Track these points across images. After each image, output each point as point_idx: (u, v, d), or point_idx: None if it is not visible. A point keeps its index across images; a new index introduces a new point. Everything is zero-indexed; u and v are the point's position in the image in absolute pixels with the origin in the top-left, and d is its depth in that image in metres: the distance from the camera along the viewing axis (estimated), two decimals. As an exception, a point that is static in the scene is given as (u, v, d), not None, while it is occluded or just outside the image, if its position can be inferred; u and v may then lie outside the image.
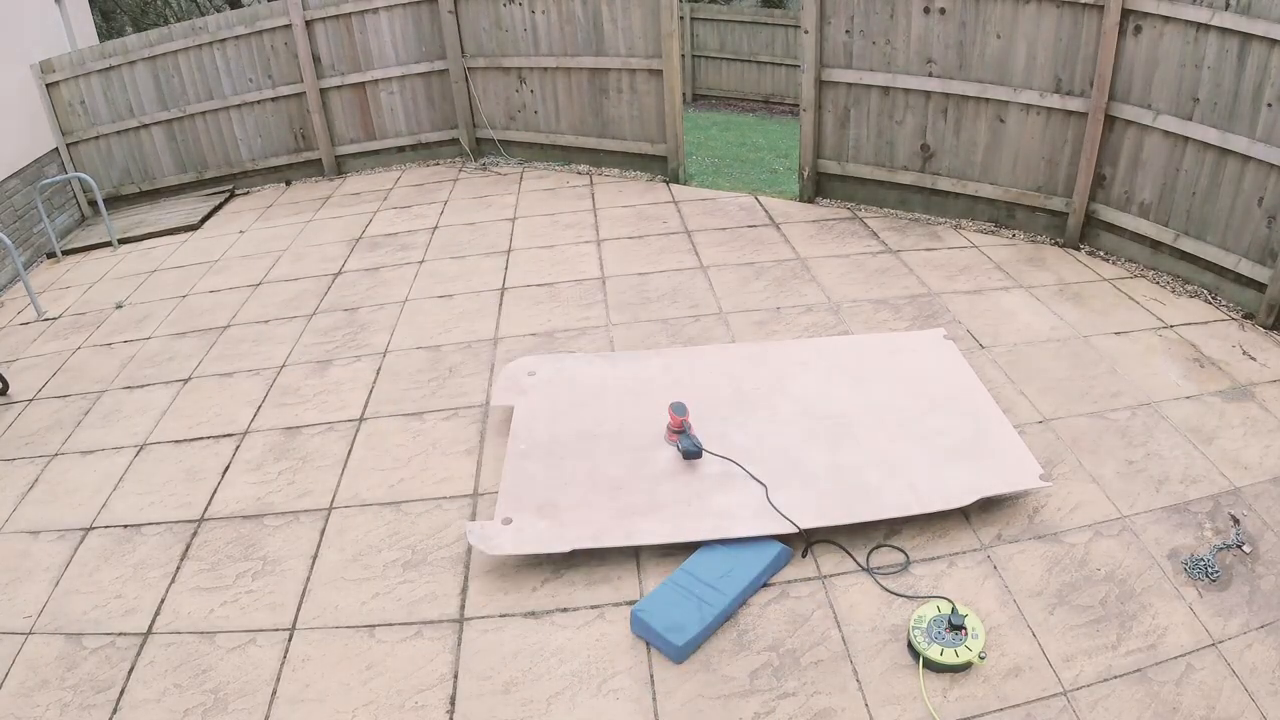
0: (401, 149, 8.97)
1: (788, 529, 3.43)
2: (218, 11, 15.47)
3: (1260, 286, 4.96)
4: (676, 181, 7.80)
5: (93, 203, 8.71)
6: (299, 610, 3.38)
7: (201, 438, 4.58)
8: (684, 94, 12.43)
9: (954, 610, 3.00)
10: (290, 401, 4.83)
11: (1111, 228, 5.85)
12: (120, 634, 3.34)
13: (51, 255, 7.89)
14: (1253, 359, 4.64)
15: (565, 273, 6.08)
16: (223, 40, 8.34)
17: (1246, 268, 5.02)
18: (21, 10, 8.37)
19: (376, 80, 8.60)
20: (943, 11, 6.00)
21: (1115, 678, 2.88)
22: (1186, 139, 5.18)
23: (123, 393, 5.14)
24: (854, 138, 6.82)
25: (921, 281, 5.63)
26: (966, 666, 2.92)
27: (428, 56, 8.52)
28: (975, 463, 3.71)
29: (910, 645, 2.99)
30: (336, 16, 8.28)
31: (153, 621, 3.39)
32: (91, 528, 3.97)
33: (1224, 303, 5.21)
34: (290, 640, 3.25)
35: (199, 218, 8.09)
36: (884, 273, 5.78)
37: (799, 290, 5.59)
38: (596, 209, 7.29)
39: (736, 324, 5.22)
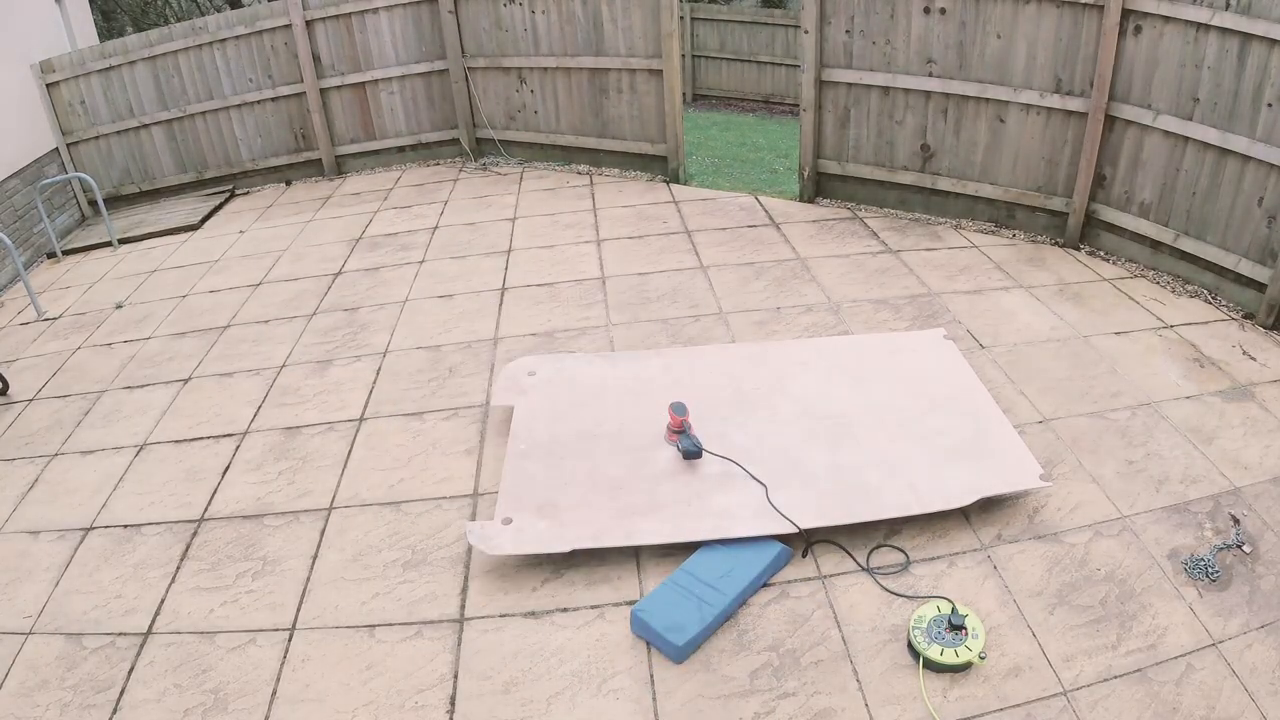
0: (402, 149, 8.97)
1: (788, 529, 3.43)
2: (218, 11, 15.47)
3: (1260, 286, 4.96)
4: (676, 181, 7.80)
5: (93, 203, 8.71)
6: (299, 610, 3.38)
7: (201, 438, 4.58)
8: (684, 94, 12.43)
9: (954, 610, 3.00)
10: (290, 401, 4.83)
11: (1111, 228, 5.85)
12: (120, 634, 3.34)
13: (51, 255, 7.89)
14: (1253, 359, 4.64)
15: (565, 273, 6.08)
16: (223, 40, 8.34)
17: (1246, 268, 5.02)
18: (21, 10, 8.37)
19: (376, 80, 8.60)
20: (943, 11, 6.00)
21: (1115, 678, 2.88)
22: (1186, 139, 5.18)
23: (123, 393, 5.14)
24: (854, 138, 6.82)
25: (921, 281, 5.63)
26: (966, 666, 2.92)
27: (428, 56, 8.52)
28: (975, 463, 3.71)
29: (910, 645, 2.99)
30: (336, 16, 8.29)
31: (153, 621, 3.39)
32: (91, 528, 3.97)
33: (1224, 303, 5.21)
34: (290, 640, 3.25)
35: (199, 218, 8.09)
36: (884, 273, 5.78)
37: (799, 290, 5.59)
38: (596, 209, 7.29)
39: (736, 324, 5.22)
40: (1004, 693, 2.85)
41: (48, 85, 8.34)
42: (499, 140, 8.72)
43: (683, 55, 11.93)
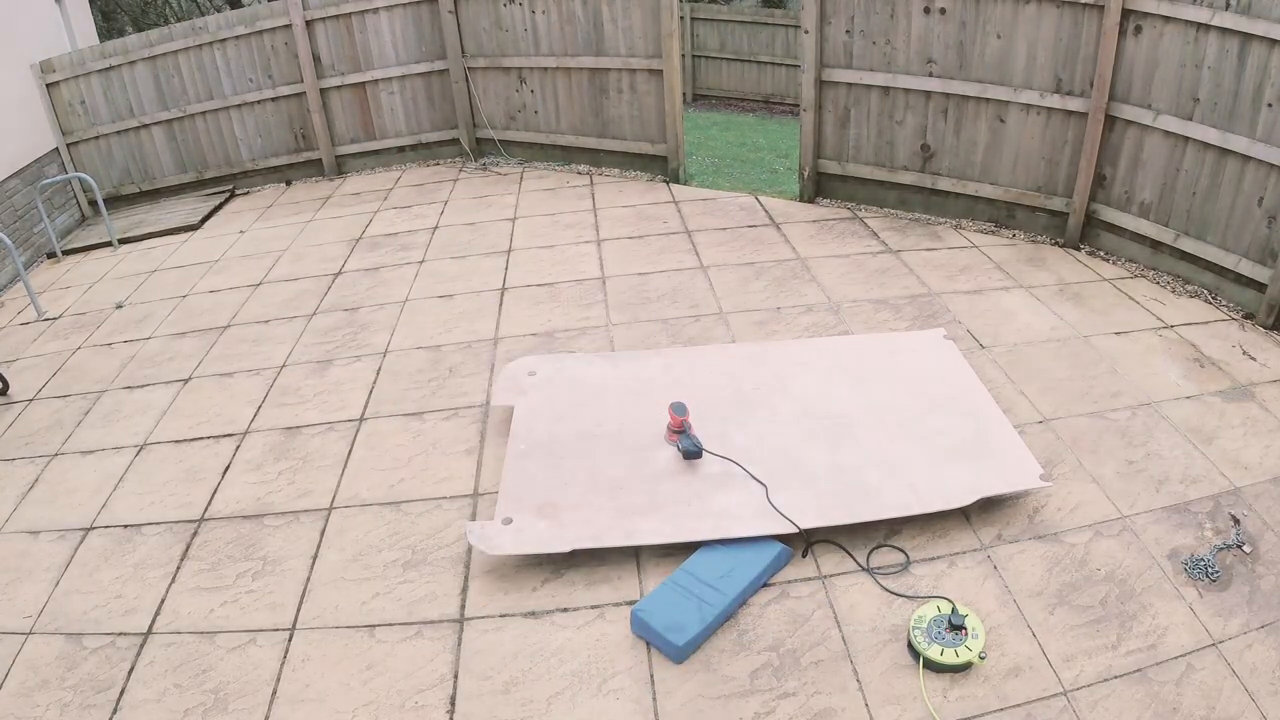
0: (402, 149, 8.97)
1: (788, 529, 3.43)
2: (218, 11, 15.47)
3: (1260, 286, 4.96)
4: (677, 181, 7.80)
5: (93, 203, 8.71)
6: (299, 610, 3.38)
7: (201, 438, 4.58)
8: (684, 94, 12.42)
9: (954, 610, 3.00)
10: (290, 401, 4.83)
11: (1111, 228, 5.85)
12: (120, 634, 3.34)
13: (52, 255, 7.89)
14: (1253, 359, 4.64)
15: (565, 273, 6.08)
16: (223, 40, 8.34)
17: (1246, 268, 5.02)
18: (21, 10, 8.37)
19: (377, 80, 8.60)
20: (943, 11, 6.00)
21: (1115, 678, 2.88)
22: (1187, 139, 5.18)
23: (123, 393, 5.14)
24: (854, 138, 6.82)
25: (921, 281, 5.63)
26: (966, 666, 2.92)
27: (428, 56, 8.52)
28: (975, 463, 3.71)
29: (910, 645, 2.99)
30: (336, 16, 8.29)
31: (153, 621, 3.39)
32: (91, 528, 3.97)
33: (1224, 303, 5.21)
34: (290, 640, 3.25)
35: (199, 218, 8.09)
36: (884, 273, 5.78)
37: (799, 290, 5.59)
38: (596, 209, 7.29)
39: (736, 324, 5.22)
40: (1004, 693, 2.85)
41: (48, 85, 8.34)
42: (499, 140, 8.72)
43: (683, 55, 11.93)
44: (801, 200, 7.22)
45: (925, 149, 6.51)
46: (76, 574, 3.69)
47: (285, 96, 8.61)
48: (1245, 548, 3.38)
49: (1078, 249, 6.02)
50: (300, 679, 3.08)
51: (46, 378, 5.45)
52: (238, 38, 8.34)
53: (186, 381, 5.18)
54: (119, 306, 6.42)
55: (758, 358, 4.62)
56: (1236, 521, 3.51)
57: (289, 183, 9.02)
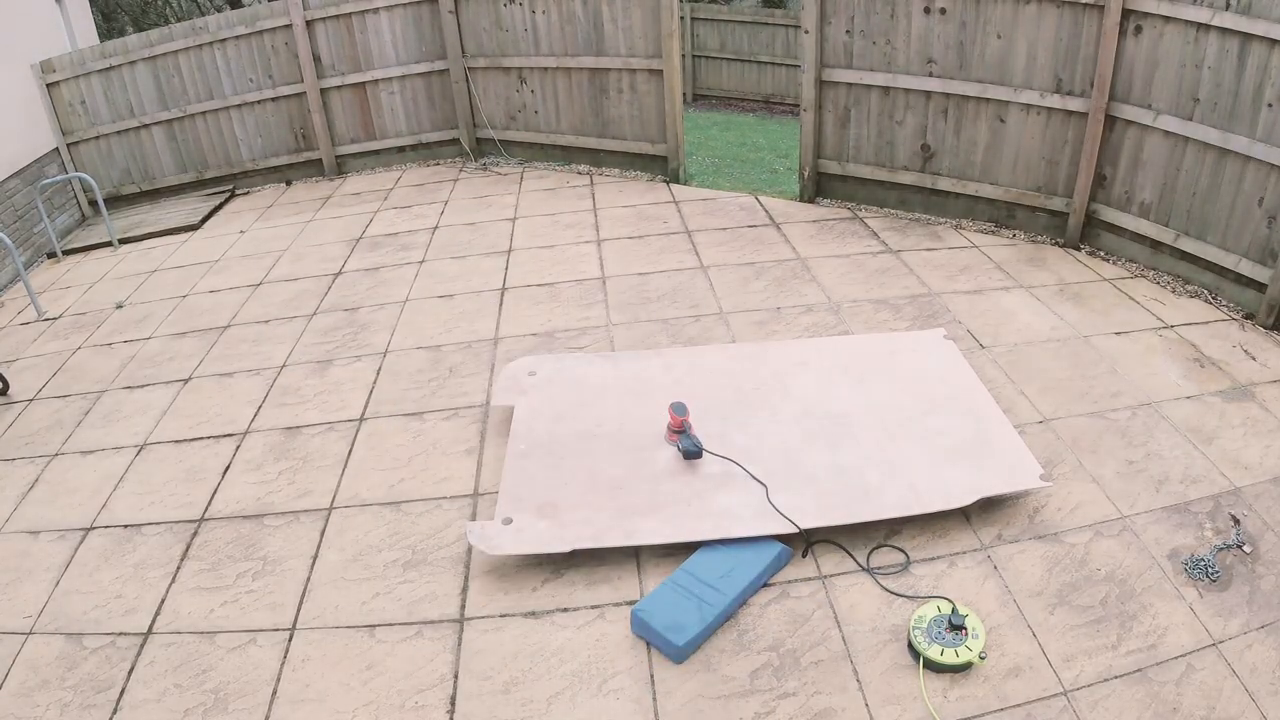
0: (402, 149, 8.97)
1: (788, 529, 3.43)
2: (218, 11, 15.47)
3: (1260, 286, 4.96)
4: (677, 181, 7.80)
5: (93, 203, 8.71)
6: (299, 610, 3.38)
7: (201, 438, 4.58)
8: (684, 94, 12.42)
9: (954, 610, 3.00)
10: (290, 401, 4.83)
11: (1112, 228, 5.85)
12: (120, 634, 3.34)
13: (52, 255, 7.89)
14: (1253, 359, 4.64)
15: (565, 273, 6.08)
16: (223, 40, 8.34)
17: (1247, 268, 5.02)
18: (21, 10, 8.37)
19: (377, 80, 8.60)
20: (943, 11, 6.00)
21: (1115, 678, 2.88)
22: (1187, 139, 5.18)
23: (123, 393, 5.14)
24: (854, 138, 6.82)
25: (922, 281, 5.63)
26: (966, 666, 2.92)
27: (428, 56, 8.52)
28: (975, 463, 3.71)
29: (910, 645, 2.99)
30: (337, 16, 8.29)
31: (153, 621, 3.39)
32: (91, 528, 3.97)
33: (1224, 303, 5.21)
34: (290, 640, 3.25)
35: (199, 218, 8.09)
36: (884, 273, 5.78)
37: (799, 290, 5.59)
38: (597, 209, 7.29)
39: (737, 324, 5.22)
40: (1004, 693, 2.85)
41: (48, 85, 8.34)
42: (499, 140, 8.72)
43: (683, 55, 11.93)
44: (801, 200, 7.22)
45: (925, 149, 6.51)
46: (76, 574, 3.69)
47: (285, 96, 8.61)
48: (1245, 548, 3.38)
49: (1078, 249, 6.02)
50: (300, 679, 3.08)
51: (46, 378, 5.45)
52: (238, 38, 8.34)
53: (186, 381, 5.18)
54: (119, 306, 6.42)
55: (758, 358, 4.62)
56: (1236, 521, 3.51)
57: (289, 183, 9.02)
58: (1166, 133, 5.29)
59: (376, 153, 8.98)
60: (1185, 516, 3.55)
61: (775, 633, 3.13)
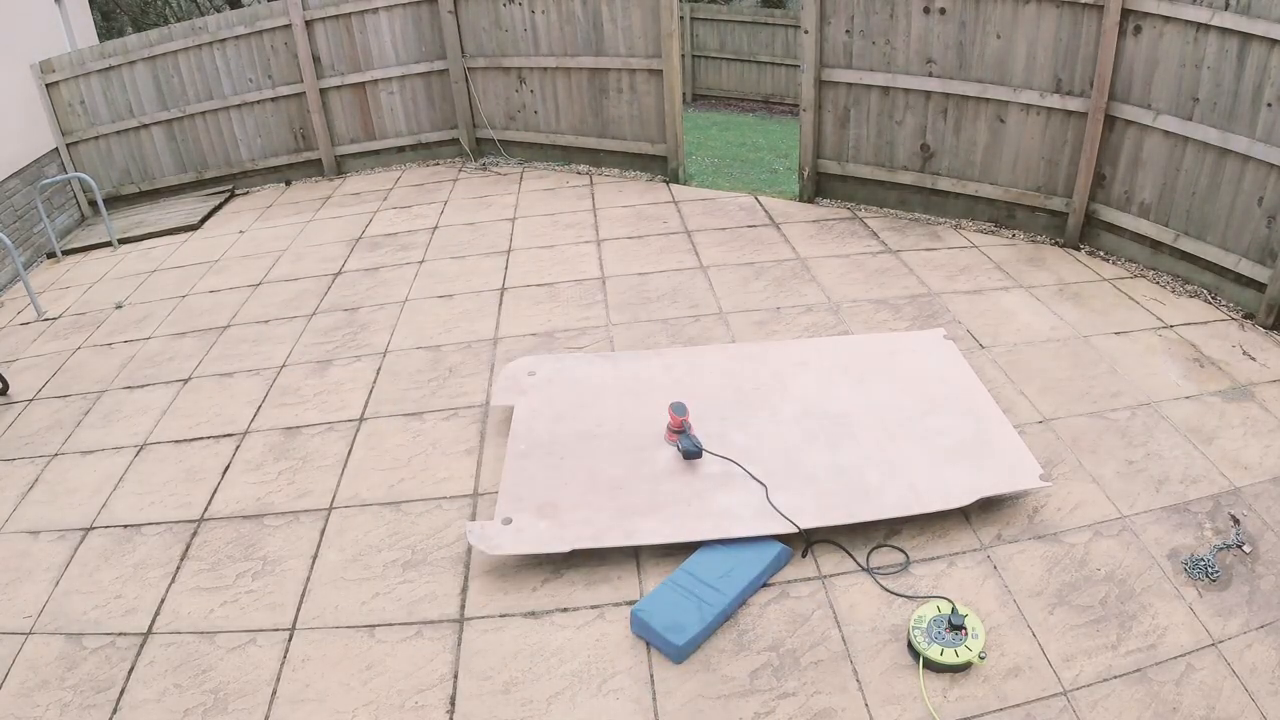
0: (401, 149, 8.97)
1: (788, 529, 3.43)
2: (218, 11, 15.47)
3: (1260, 286, 4.96)
4: (676, 181, 7.80)
5: (93, 203, 8.71)
6: (299, 610, 3.38)
7: (201, 438, 4.58)
8: (684, 94, 12.43)
9: (954, 610, 3.00)
10: (290, 401, 4.83)
11: (1111, 228, 5.85)
12: (120, 634, 3.34)
13: (51, 255, 7.89)
14: (1253, 359, 4.64)
15: (565, 273, 6.08)
16: (223, 40, 8.34)
17: (1246, 268, 5.02)
18: (21, 10, 8.37)
19: (376, 80, 8.60)
20: (943, 11, 6.00)
21: (1115, 678, 2.88)
22: (1186, 139, 5.18)
23: (123, 393, 5.14)
24: (854, 138, 6.82)
25: (921, 281, 5.63)
26: (966, 666, 2.92)
27: (428, 56, 8.52)
28: (975, 463, 3.71)
29: (910, 645, 2.99)
30: (336, 16, 8.29)
31: (153, 621, 3.39)
32: (91, 528, 3.97)
33: (1224, 303, 5.21)
34: (290, 640, 3.25)
35: (199, 218, 8.09)
36: (884, 273, 5.79)
37: (799, 290, 5.59)
38: (596, 209, 7.29)
39: (736, 324, 5.22)
40: (1004, 693, 2.85)
41: (47, 85, 8.34)
42: (499, 140, 8.72)
43: (683, 55, 11.94)
44: (801, 200, 7.22)
45: (925, 149, 6.51)
46: (76, 574, 3.69)
47: (285, 96, 8.61)
48: (1245, 548, 3.38)
49: (1077, 249, 6.02)
50: (300, 679, 3.08)
51: (46, 378, 5.45)
52: (237, 38, 8.34)
53: (186, 381, 5.18)
54: (119, 306, 6.42)
55: (758, 358, 4.62)
56: (1236, 521, 3.51)
57: (289, 183, 9.02)
58: (1166, 133, 5.29)
59: (376, 153, 8.98)
60: (1185, 516, 3.55)
61: (775, 633, 3.13)
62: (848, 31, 6.46)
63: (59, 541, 3.90)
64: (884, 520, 3.52)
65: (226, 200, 8.68)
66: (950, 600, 3.12)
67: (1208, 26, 4.88)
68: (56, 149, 8.52)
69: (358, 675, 3.08)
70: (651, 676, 2.99)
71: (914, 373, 4.40)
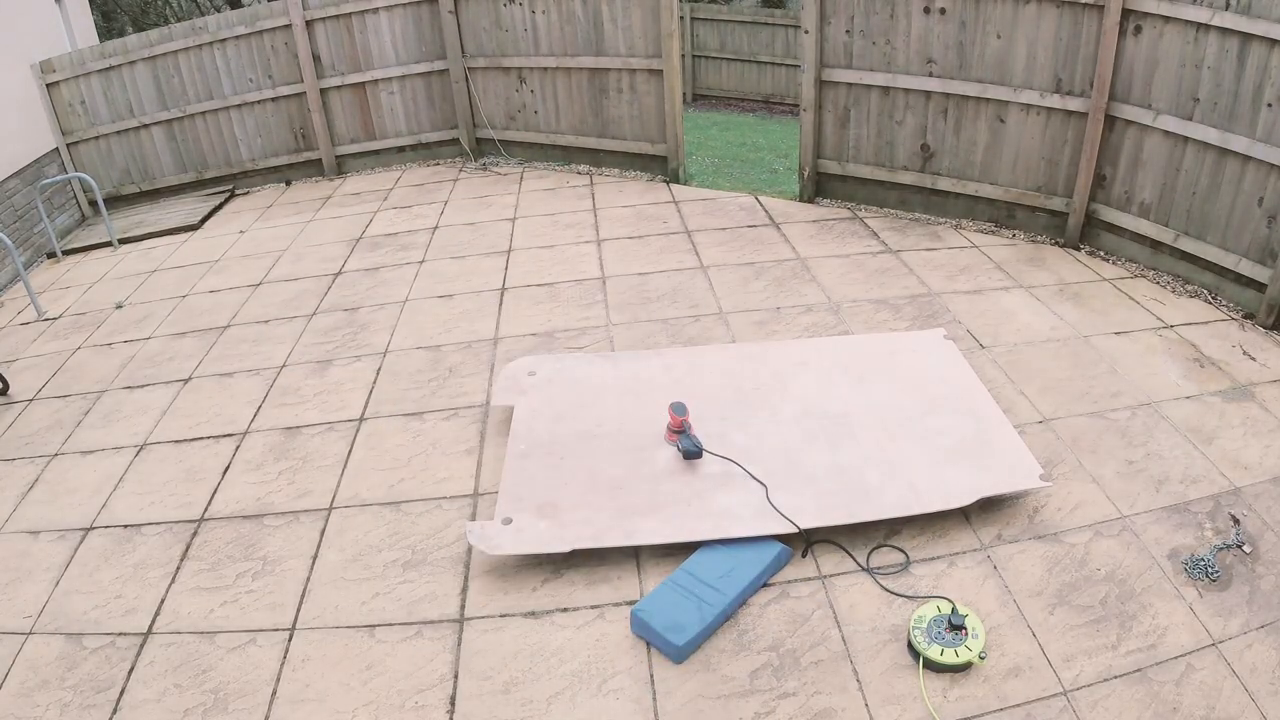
0: (401, 149, 8.97)
1: (788, 529, 3.43)
2: (218, 11, 15.47)
3: (1260, 286, 4.96)
4: (676, 181, 7.80)
5: (93, 203, 8.71)
6: (299, 610, 3.38)
7: (201, 438, 4.58)
8: (684, 94, 12.42)
9: (954, 610, 3.00)
10: (290, 401, 4.83)
11: (1111, 228, 5.85)
12: (120, 634, 3.34)
13: (52, 255, 7.89)
14: (1253, 359, 4.64)
15: (565, 273, 6.08)
16: (223, 40, 8.34)
17: (1246, 268, 5.02)
18: (21, 10, 8.37)
19: (376, 80, 8.60)
20: (943, 11, 6.00)
21: (1115, 678, 2.88)
22: (1186, 139, 5.18)
23: (123, 393, 5.14)
24: (854, 138, 6.82)
25: (921, 281, 5.63)
26: (966, 666, 2.92)
27: (428, 56, 8.52)
28: (975, 463, 3.71)
29: (910, 645, 2.99)
30: (336, 16, 8.29)
31: (153, 621, 3.39)
32: (91, 528, 3.97)
33: (1224, 303, 5.21)
34: (290, 640, 3.25)
35: (199, 218, 8.09)
36: (884, 273, 5.79)
37: (799, 290, 5.59)
38: (596, 209, 7.29)
39: (736, 324, 5.22)
40: (1004, 693, 2.85)
41: (48, 85, 8.34)
42: (499, 140, 8.72)
43: (683, 55, 11.93)
44: (801, 200, 7.22)
45: (925, 149, 6.51)
46: (76, 574, 3.69)
47: (285, 96, 8.61)
48: (1245, 548, 3.38)
49: (1078, 249, 6.02)
50: (300, 679, 3.08)
51: (46, 378, 5.45)
52: (238, 38, 8.34)
53: (186, 381, 5.18)
54: (119, 306, 6.42)
55: (758, 358, 4.62)
56: (1236, 521, 3.51)
57: (289, 183, 9.02)
58: (1166, 133, 5.29)
59: (376, 153, 8.98)
60: (1185, 516, 3.55)
61: (775, 633, 3.13)
62: (848, 31, 6.46)
63: (59, 541, 3.90)
64: (884, 520, 3.52)
65: (227, 200, 8.68)
66: (950, 600, 3.12)
67: (1208, 26, 4.88)
68: (57, 149, 8.52)
69: (358, 675, 3.08)
70: (651, 676, 2.99)
71: (914, 373, 4.40)
